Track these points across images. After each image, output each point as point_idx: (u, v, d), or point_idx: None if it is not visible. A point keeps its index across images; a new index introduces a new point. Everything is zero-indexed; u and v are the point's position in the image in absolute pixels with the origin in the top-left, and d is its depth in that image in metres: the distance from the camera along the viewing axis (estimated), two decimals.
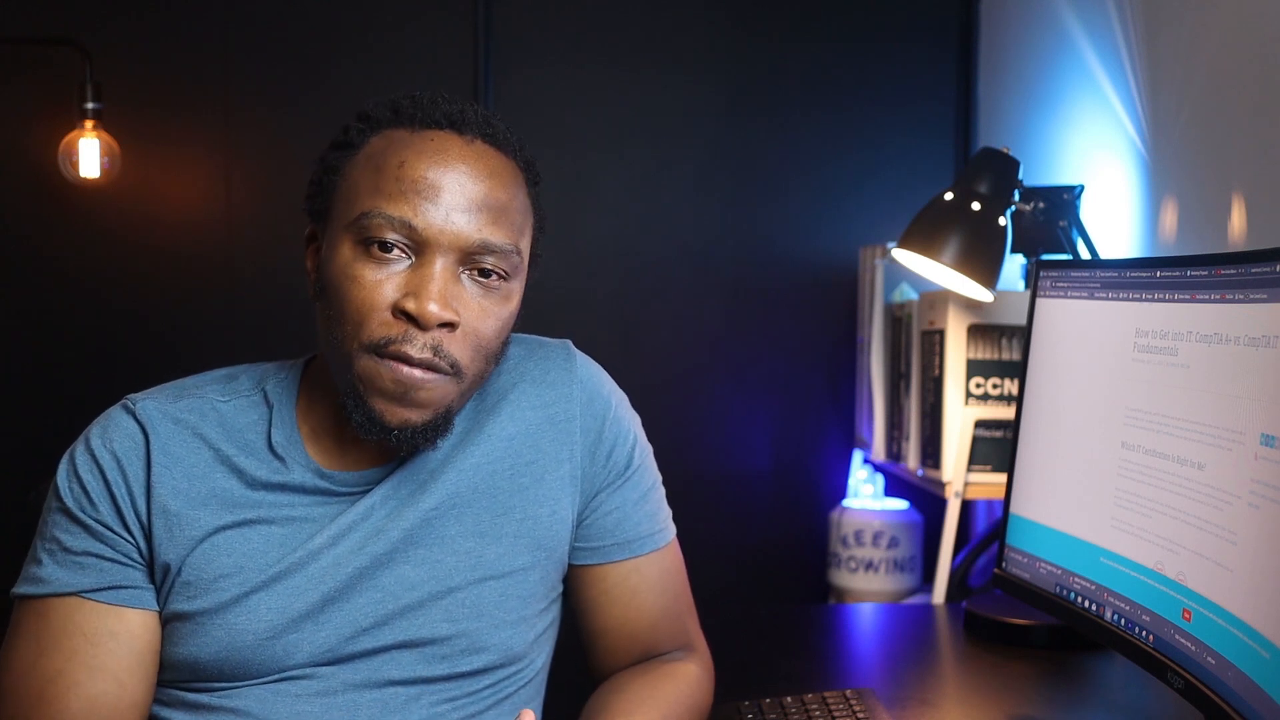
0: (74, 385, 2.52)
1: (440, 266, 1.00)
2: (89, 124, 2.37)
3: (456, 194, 1.01)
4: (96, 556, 1.03)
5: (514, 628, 1.11)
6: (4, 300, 2.51)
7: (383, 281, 1.00)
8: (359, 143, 1.06)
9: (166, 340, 2.54)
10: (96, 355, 2.52)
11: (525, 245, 1.08)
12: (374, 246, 1.00)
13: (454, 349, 1.01)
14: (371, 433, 1.03)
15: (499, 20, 2.56)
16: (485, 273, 1.03)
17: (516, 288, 1.07)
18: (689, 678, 1.17)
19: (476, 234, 1.01)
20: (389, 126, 1.05)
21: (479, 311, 1.03)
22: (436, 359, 1.00)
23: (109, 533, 1.04)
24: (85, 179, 2.38)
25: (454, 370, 1.02)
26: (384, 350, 1.00)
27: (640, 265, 2.61)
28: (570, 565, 1.17)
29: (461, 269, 1.02)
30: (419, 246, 1.00)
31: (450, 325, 1.01)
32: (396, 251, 1.00)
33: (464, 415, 1.12)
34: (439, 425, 1.05)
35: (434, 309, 0.99)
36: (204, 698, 1.05)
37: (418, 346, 0.99)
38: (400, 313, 1.00)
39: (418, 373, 1.00)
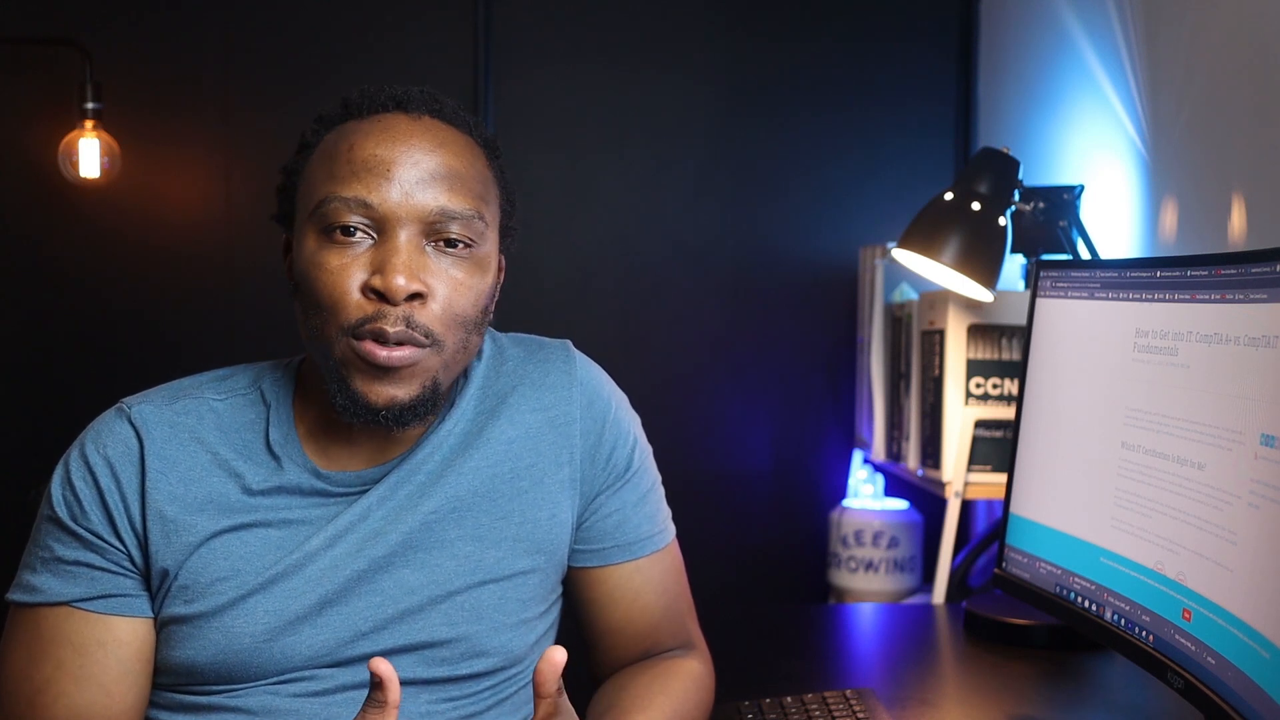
0: (74, 385, 2.52)
1: (404, 239, 1.00)
2: (89, 124, 2.37)
3: (409, 167, 1.01)
4: (88, 566, 1.03)
5: (514, 631, 1.10)
6: (4, 300, 2.51)
7: (349, 265, 1.00)
8: (314, 142, 1.06)
9: (166, 340, 2.54)
10: (96, 355, 2.53)
11: (490, 213, 1.06)
12: (336, 232, 1.00)
13: (428, 320, 1.00)
14: (358, 415, 1.02)
15: (499, 20, 2.56)
16: (451, 243, 1.02)
17: (489, 254, 1.06)
18: (693, 675, 1.17)
19: (434, 202, 1.00)
20: (340, 121, 1.06)
21: (451, 282, 1.02)
22: (411, 331, 0.99)
23: (100, 542, 1.03)
24: (85, 179, 2.39)
25: (430, 341, 1.01)
26: (359, 331, 0.99)
27: (640, 265, 2.61)
28: (571, 567, 1.17)
29: (426, 241, 1.01)
30: (379, 224, 1.00)
31: (420, 296, 1.00)
32: (359, 234, 1.00)
33: (464, 418, 1.12)
34: (427, 400, 1.03)
35: (400, 281, 0.98)
36: (202, 699, 1.05)
37: (391, 321, 0.99)
38: (370, 291, 0.99)
39: (395, 353, 0.99)
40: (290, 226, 1.07)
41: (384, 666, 0.86)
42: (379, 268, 0.99)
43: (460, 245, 1.02)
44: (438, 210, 1.01)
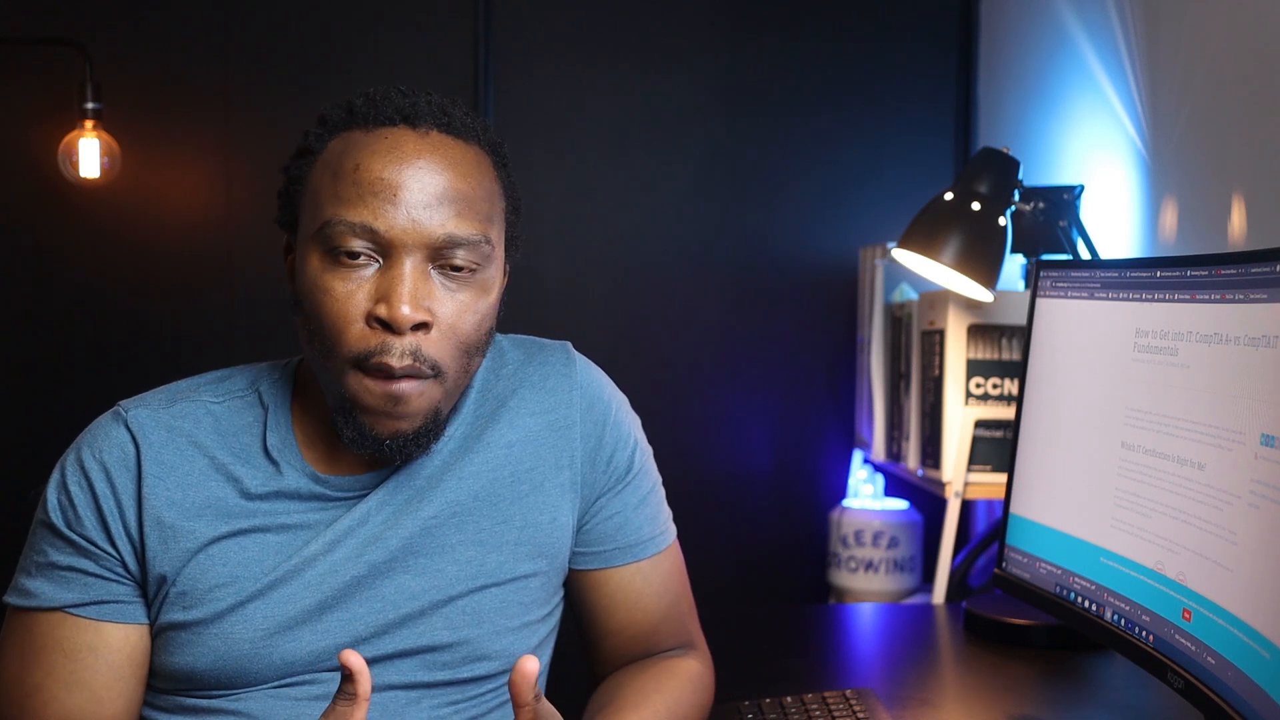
0: (74, 385, 2.52)
1: (409, 266, 0.98)
2: (89, 124, 2.37)
3: (415, 191, 0.99)
4: (81, 572, 1.03)
5: (516, 634, 1.10)
6: (4, 300, 2.51)
7: (354, 291, 0.99)
8: (318, 148, 1.04)
9: (166, 340, 2.54)
10: (96, 355, 2.52)
11: (496, 233, 1.05)
12: (341, 256, 0.99)
13: (433, 350, 1.00)
14: (364, 447, 1.02)
15: (499, 20, 2.56)
16: (456, 267, 1.01)
17: (493, 276, 1.05)
18: (691, 674, 1.17)
19: (441, 229, 0.99)
20: (344, 129, 1.03)
21: (455, 307, 1.01)
22: (417, 364, 0.99)
23: (94, 548, 1.03)
24: (85, 179, 2.38)
25: (435, 372, 1.00)
26: (366, 364, 0.99)
27: (640, 265, 2.61)
28: (572, 570, 1.16)
29: (431, 266, 1.00)
30: (384, 249, 0.99)
31: (425, 326, 0.99)
32: (364, 258, 0.99)
33: (464, 421, 1.12)
34: (429, 430, 1.04)
35: (406, 311, 0.97)
36: (203, 702, 1.05)
37: (397, 354, 0.98)
38: (375, 320, 0.98)
39: (402, 386, 0.99)
40: (292, 230, 1.06)
41: (354, 659, 0.87)
42: (384, 296, 0.98)
43: (465, 270, 1.01)
44: (445, 237, 0.99)
